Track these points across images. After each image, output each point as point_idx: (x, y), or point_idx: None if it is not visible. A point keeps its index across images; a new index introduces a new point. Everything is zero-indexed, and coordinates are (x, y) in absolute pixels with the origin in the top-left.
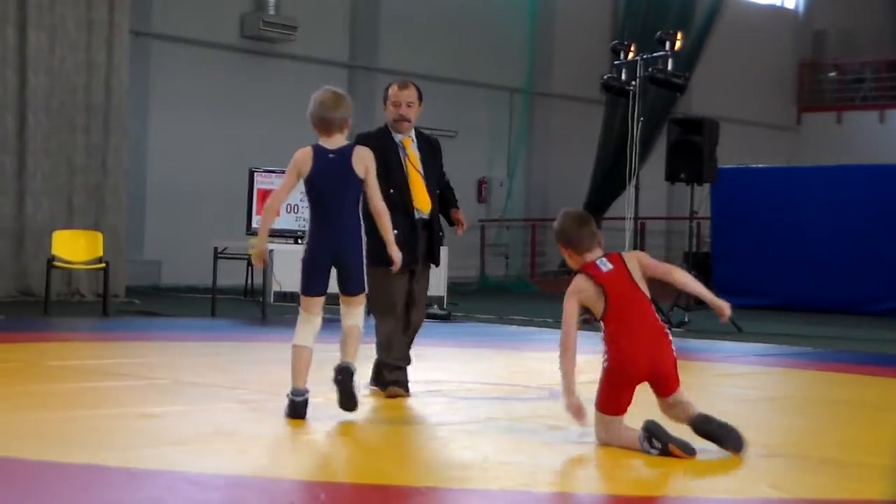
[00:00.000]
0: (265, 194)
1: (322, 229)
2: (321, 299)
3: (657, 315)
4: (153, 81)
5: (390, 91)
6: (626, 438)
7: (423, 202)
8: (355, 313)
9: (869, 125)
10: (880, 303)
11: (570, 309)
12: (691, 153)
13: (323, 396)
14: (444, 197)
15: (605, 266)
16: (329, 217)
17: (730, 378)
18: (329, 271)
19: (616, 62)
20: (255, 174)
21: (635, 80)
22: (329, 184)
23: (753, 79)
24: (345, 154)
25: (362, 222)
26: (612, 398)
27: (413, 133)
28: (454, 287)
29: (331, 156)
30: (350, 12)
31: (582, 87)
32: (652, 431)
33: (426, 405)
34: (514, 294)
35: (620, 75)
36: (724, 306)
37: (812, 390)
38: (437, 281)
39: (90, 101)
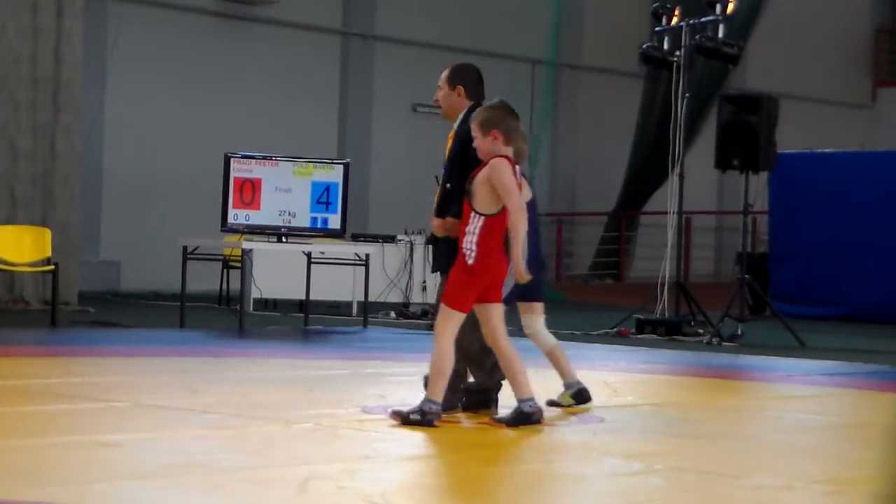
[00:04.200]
0: (243, 184)
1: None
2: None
3: None
4: (111, 50)
5: None
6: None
7: (435, 206)
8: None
9: None
10: None
11: (512, 181)
12: (746, 136)
13: (314, 422)
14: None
15: (518, 175)
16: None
17: (791, 401)
18: None
19: (657, 28)
20: (232, 160)
21: (680, 50)
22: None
23: (820, 48)
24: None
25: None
26: (468, 295)
27: (457, 123)
28: None
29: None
30: None
31: (617, 58)
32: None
33: (433, 434)
34: None
35: (662, 44)
36: (521, 274)
37: (888, 416)
38: None
39: (36, 74)
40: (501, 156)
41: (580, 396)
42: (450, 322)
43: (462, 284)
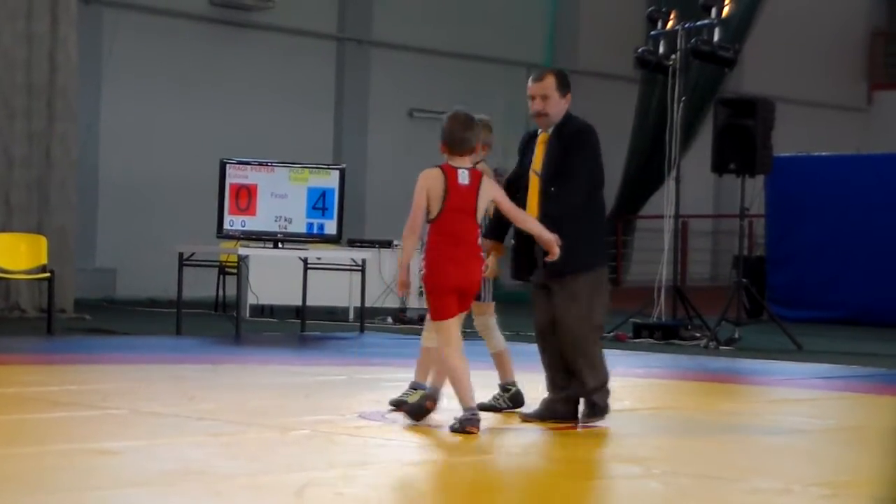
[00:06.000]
0: (239, 190)
1: None
2: None
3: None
4: (107, 57)
5: (528, 84)
6: (457, 340)
7: (531, 208)
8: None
9: None
10: None
11: (421, 199)
12: (742, 139)
13: (311, 428)
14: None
15: (464, 179)
16: None
17: (788, 404)
18: None
19: (653, 32)
20: (228, 167)
21: (676, 54)
22: None
23: (816, 51)
24: None
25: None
26: (436, 306)
27: (553, 129)
28: None
29: None
30: None
31: (612, 63)
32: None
33: (433, 439)
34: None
35: (658, 48)
36: (551, 241)
37: (886, 419)
38: None
39: (31, 81)
40: (440, 166)
41: (516, 400)
42: (440, 333)
43: (429, 296)
